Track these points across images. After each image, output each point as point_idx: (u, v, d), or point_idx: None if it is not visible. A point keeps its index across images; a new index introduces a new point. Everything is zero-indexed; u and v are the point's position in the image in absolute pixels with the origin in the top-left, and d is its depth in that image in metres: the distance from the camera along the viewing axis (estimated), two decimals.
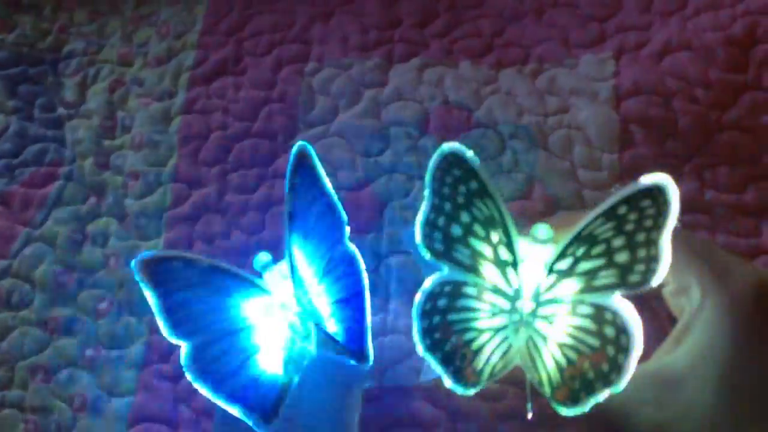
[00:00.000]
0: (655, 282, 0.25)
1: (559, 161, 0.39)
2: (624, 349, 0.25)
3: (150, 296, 0.31)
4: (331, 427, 0.33)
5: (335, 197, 0.32)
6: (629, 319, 0.25)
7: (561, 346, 0.27)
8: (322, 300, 0.32)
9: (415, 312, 0.28)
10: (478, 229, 0.28)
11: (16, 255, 0.42)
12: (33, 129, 0.46)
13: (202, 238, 0.41)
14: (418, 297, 0.28)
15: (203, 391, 0.30)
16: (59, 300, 0.41)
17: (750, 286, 0.27)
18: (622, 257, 0.26)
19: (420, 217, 0.28)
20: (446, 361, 0.28)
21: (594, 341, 0.26)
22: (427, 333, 0.28)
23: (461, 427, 0.34)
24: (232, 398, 0.30)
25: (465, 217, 0.28)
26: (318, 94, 0.43)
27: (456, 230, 0.28)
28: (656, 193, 0.25)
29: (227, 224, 0.41)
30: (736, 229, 0.37)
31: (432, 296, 0.28)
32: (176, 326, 0.32)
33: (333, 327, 0.32)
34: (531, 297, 0.28)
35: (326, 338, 0.32)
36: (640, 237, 0.26)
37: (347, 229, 0.32)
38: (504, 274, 0.28)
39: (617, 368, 0.25)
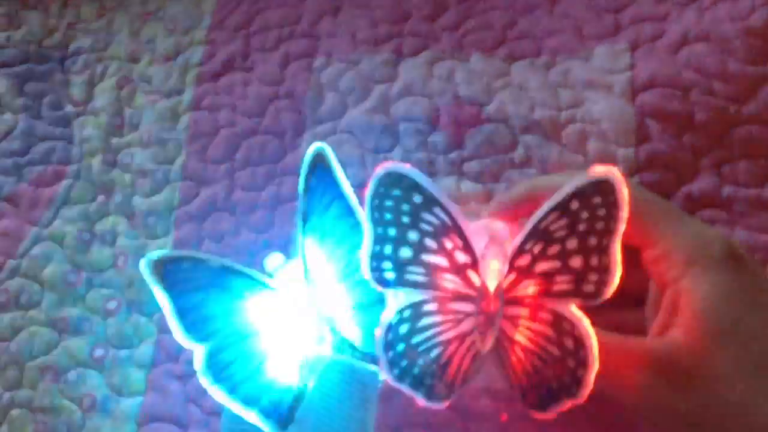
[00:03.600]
0: (607, 294, 0.25)
1: (573, 156, 0.38)
2: (583, 363, 0.25)
3: (162, 298, 0.31)
4: (347, 431, 0.33)
5: (355, 200, 0.31)
6: (586, 332, 0.25)
7: (526, 351, 0.27)
8: (341, 303, 0.32)
9: (378, 347, 0.28)
10: (428, 242, 0.28)
11: (25, 255, 0.42)
12: (41, 127, 0.46)
13: (211, 236, 0.41)
14: (379, 332, 0.28)
15: (219, 396, 0.30)
16: (68, 300, 0.40)
17: (727, 249, 0.27)
18: (576, 262, 0.26)
19: (365, 253, 0.28)
20: (417, 384, 0.28)
21: (555, 350, 0.26)
22: (393, 363, 0.28)
23: (474, 427, 0.34)
24: (248, 403, 0.30)
25: (413, 236, 0.28)
26: (327, 90, 0.43)
27: (405, 252, 0.28)
28: (605, 189, 0.25)
29: (236, 222, 0.41)
30: (756, 225, 0.36)
31: (392, 326, 0.28)
32: (189, 329, 0.31)
33: (350, 331, 0.31)
34: (495, 295, 0.28)
35: (342, 343, 0.31)
36: (592, 241, 0.26)
37: None
38: (464, 277, 0.28)
39: (577, 382, 0.26)
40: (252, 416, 0.29)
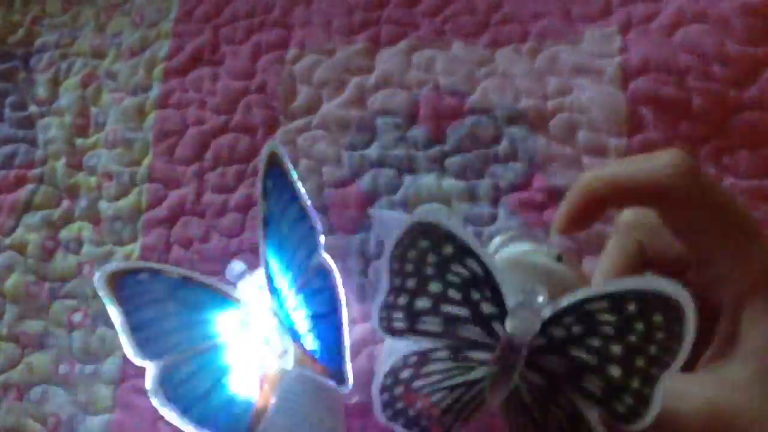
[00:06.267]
0: (637, 428, 0.22)
1: (562, 148, 0.36)
2: None
3: (114, 313, 0.29)
4: None
5: (308, 203, 0.29)
6: None
7: (535, 425, 0.25)
8: (299, 314, 0.29)
9: (375, 389, 0.25)
10: (453, 294, 0.25)
11: None
12: (3, 129, 0.43)
13: (180, 242, 0.38)
14: (378, 376, 0.25)
15: (171, 417, 0.28)
16: (31, 312, 0.38)
17: None
18: (614, 372, 0.23)
19: (377, 303, 0.25)
20: (410, 425, 0.26)
21: None
22: (388, 405, 0.26)
23: None
24: (202, 423, 0.28)
25: (435, 287, 0.25)
26: (300, 83, 0.40)
27: (422, 303, 0.25)
28: (672, 313, 0.21)
29: (206, 227, 0.38)
30: (758, 218, 0.33)
31: (393, 371, 0.25)
32: (142, 346, 0.29)
33: (311, 344, 0.29)
34: (518, 350, 0.24)
35: (304, 356, 0.29)
36: (640, 362, 0.22)
37: (321, 238, 0.29)
38: (486, 328, 0.25)
39: None
40: None
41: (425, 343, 0.25)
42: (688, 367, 0.23)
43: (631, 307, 0.21)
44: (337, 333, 0.27)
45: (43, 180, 0.42)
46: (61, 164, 0.42)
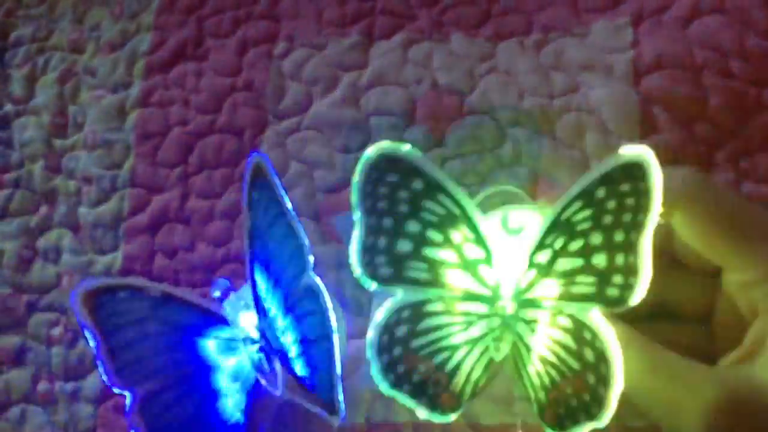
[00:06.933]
0: (633, 301, 0.22)
1: (569, 151, 0.34)
2: (604, 380, 0.22)
3: (90, 338, 0.27)
4: None
5: (296, 221, 0.27)
6: (608, 344, 0.22)
7: (544, 361, 0.24)
8: (288, 337, 0.28)
9: (370, 350, 0.24)
10: (433, 235, 0.24)
11: None
12: None
13: (164, 250, 0.36)
14: (370, 333, 0.24)
15: None
16: (8, 326, 0.36)
17: None
18: (599, 260, 0.23)
19: (354, 246, 0.24)
20: (417, 393, 0.25)
21: (574, 363, 0.23)
22: (388, 369, 0.25)
23: None
24: None
25: (413, 227, 0.24)
26: (289, 80, 0.38)
27: (404, 245, 0.24)
28: (636, 173, 0.21)
29: (191, 234, 0.36)
30: None
31: (387, 328, 0.25)
32: (121, 371, 0.28)
33: (301, 369, 0.27)
34: (512, 296, 0.25)
35: (294, 382, 0.27)
36: (619, 237, 0.22)
37: (311, 258, 0.27)
38: (476, 274, 0.25)
39: (598, 401, 0.22)
40: None
41: (416, 294, 0.25)
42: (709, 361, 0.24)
43: (600, 193, 0.22)
44: (328, 361, 0.25)
45: (19, 184, 0.39)
46: (38, 167, 0.40)
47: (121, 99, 0.40)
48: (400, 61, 0.37)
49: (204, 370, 0.29)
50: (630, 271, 0.22)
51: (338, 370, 0.25)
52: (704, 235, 0.24)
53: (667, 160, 0.32)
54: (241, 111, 0.38)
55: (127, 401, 0.27)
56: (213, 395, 0.29)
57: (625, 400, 0.23)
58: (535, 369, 0.25)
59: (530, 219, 0.25)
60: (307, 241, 0.26)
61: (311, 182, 0.36)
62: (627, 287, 0.22)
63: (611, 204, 0.22)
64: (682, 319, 0.27)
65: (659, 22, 0.35)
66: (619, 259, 0.22)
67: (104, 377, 0.27)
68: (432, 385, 0.25)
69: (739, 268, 0.24)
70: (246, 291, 0.29)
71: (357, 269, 0.25)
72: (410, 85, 0.36)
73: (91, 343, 0.28)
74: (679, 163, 0.32)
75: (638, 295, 0.22)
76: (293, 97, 0.37)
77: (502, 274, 0.25)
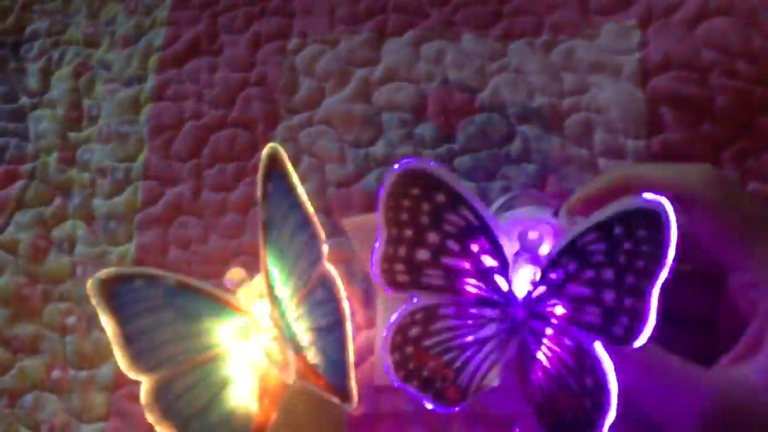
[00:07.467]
0: (636, 344, 0.23)
1: (577, 149, 0.34)
2: (600, 407, 0.23)
3: (107, 324, 0.28)
4: None
5: (311, 211, 0.27)
6: (606, 376, 0.23)
7: (545, 372, 0.25)
8: (301, 325, 0.28)
9: (384, 348, 0.26)
10: (451, 245, 0.25)
11: None
12: None
13: (177, 242, 0.37)
14: (385, 332, 0.26)
15: None
16: (23, 315, 0.37)
17: None
18: (609, 297, 0.23)
19: (376, 256, 0.25)
20: (425, 386, 0.26)
21: (573, 385, 0.24)
22: (400, 365, 0.26)
23: None
24: None
25: (433, 238, 0.25)
26: (301, 75, 0.38)
27: (422, 254, 0.26)
28: (655, 223, 0.22)
29: (204, 226, 0.37)
30: None
31: (401, 328, 0.26)
32: (137, 358, 0.28)
33: (314, 357, 0.28)
34: (523, 305, 0.25)
35: (307, 370, 0.28)
36: (630, 280, 0.23)
37: (325, 247, 0.27)
38: (490, 281, 0.26)
39: (590, 425, 0.23)
40: None
41: (429, 299, 0.26)
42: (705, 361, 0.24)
43: (618, 230, 0.23)
44: (341, 348, 0.26)
45: (34, 176, 0.40)
46: (53, 159, 0.40)
47: (135, 93, 0.40)
48: (412, 58, 0.37)
49: (216, 359, 0.29)
50: (636, 317, 0.22)
51: (351, 357, 0.26)
52: (717, 232, 0.24)
53: (675, 158, 0.33)
54: (254, 105, 0.38)
55: (143, 388, 0.28)
56: (226, 383, 0.29)
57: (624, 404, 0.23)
58: (537, 376, 0.25)
59: (547, 231, 0.26)
60: (321, 232, 0.27)
61: (322, 176, 0.36)
62: (631, 330, 0.23)
63: (627, 245, 0.23)
64: (683, 321, 0.27)
65: (667, 23, 0.35)
66: (628, 301, 0.23)
67: (122, 364, 0.28)
68: (440, 380, 0.26)
69: (744, 269, 0.24)
70: (259, 280, 0.29)
71: (376, 275, 0.26)
72: (421, 81, 0.37)
73: (108, 331, 0.28)
74: (687, 162, 0.33)
75: (641, 340, 0.22)
76: (305, 92, 0.38)
77: (516, 283, 0.26)
